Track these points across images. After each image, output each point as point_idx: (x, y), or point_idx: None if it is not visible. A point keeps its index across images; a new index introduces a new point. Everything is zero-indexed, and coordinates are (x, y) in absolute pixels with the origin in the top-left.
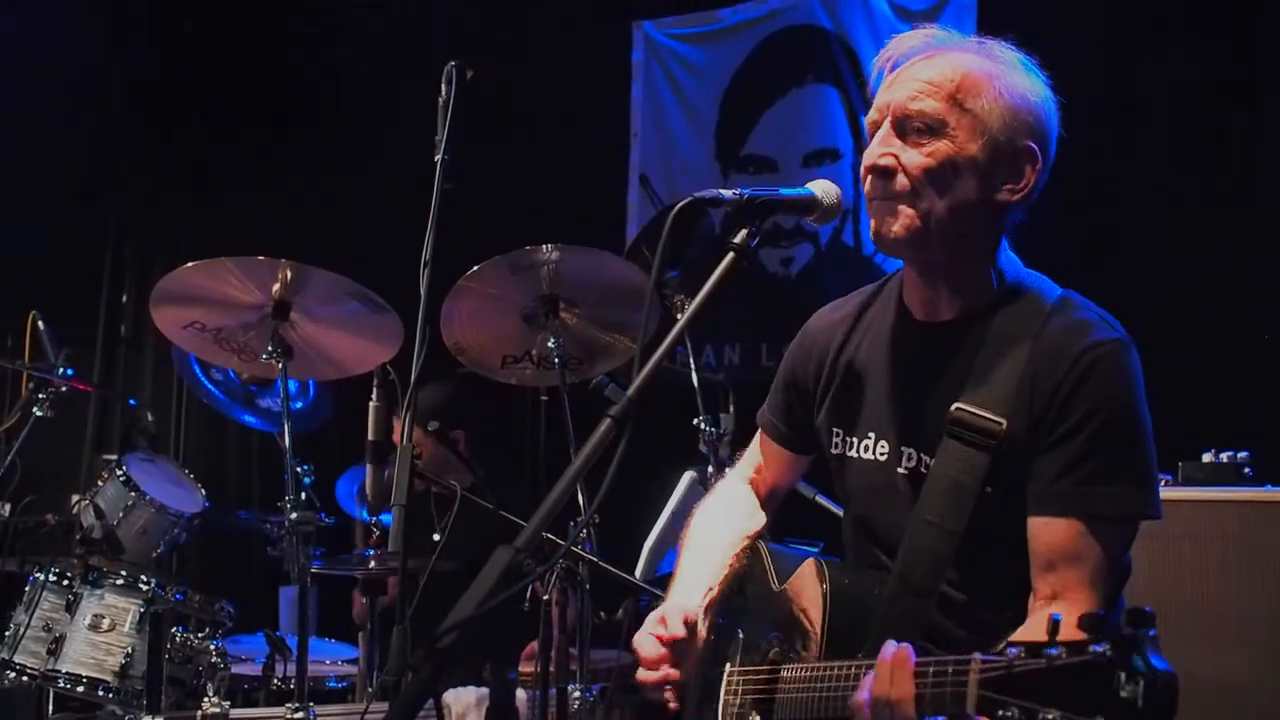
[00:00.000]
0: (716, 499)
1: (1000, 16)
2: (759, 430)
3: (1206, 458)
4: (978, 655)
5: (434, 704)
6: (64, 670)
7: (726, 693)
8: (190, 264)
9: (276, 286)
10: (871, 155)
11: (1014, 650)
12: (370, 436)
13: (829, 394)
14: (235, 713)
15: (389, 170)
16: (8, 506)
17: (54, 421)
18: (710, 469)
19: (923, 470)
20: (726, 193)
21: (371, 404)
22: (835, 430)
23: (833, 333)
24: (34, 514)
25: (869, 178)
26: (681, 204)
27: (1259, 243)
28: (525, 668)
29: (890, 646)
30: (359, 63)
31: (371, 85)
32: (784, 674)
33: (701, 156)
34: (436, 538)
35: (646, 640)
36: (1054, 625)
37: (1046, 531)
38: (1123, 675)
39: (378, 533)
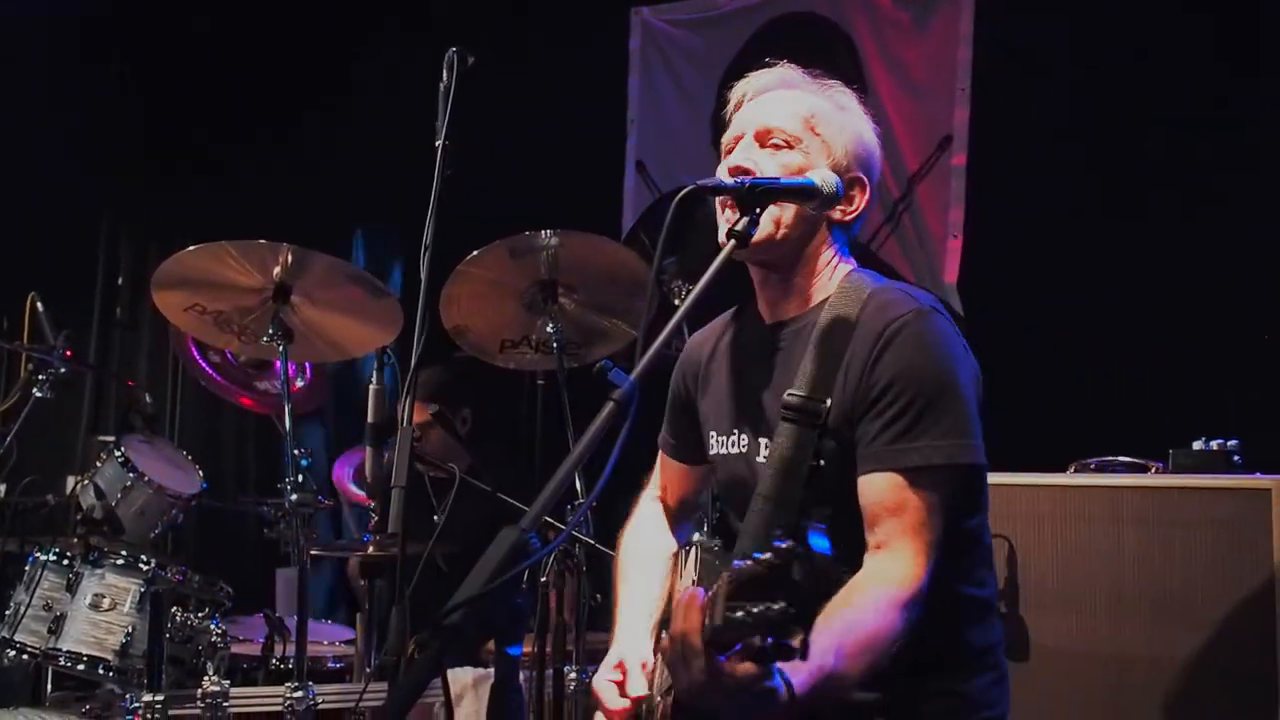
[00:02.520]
0: (638, 524)
1: (996, 3)
2: (660, 451)
3: (1196, 445)
4: (734, 565)
5: (441, 682)
6: (65, 649)
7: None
8: (191, 247)
9: (277, 270)
10: (733, 160)
11: (757, 555)
12: (370, 419)
13: (702, 401)
14: (235, 692)
15: (389, 155)
16: (2, 487)
17: (48, 402)
18: None
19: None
20: (728, 181)
21: (371, 387)
22: (710, 433)
23: (704, 346)
24: (33, 494)
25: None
26: (684, 192)
27: (1250, 232)
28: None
29: (685, 591)
30: (358, 47)
31: (372, 70)
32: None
33: (698, 143)
34: (436, 519)
35: (608, 688)
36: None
37: (869, 488)
38: (795, 564)
39: (376, 517)
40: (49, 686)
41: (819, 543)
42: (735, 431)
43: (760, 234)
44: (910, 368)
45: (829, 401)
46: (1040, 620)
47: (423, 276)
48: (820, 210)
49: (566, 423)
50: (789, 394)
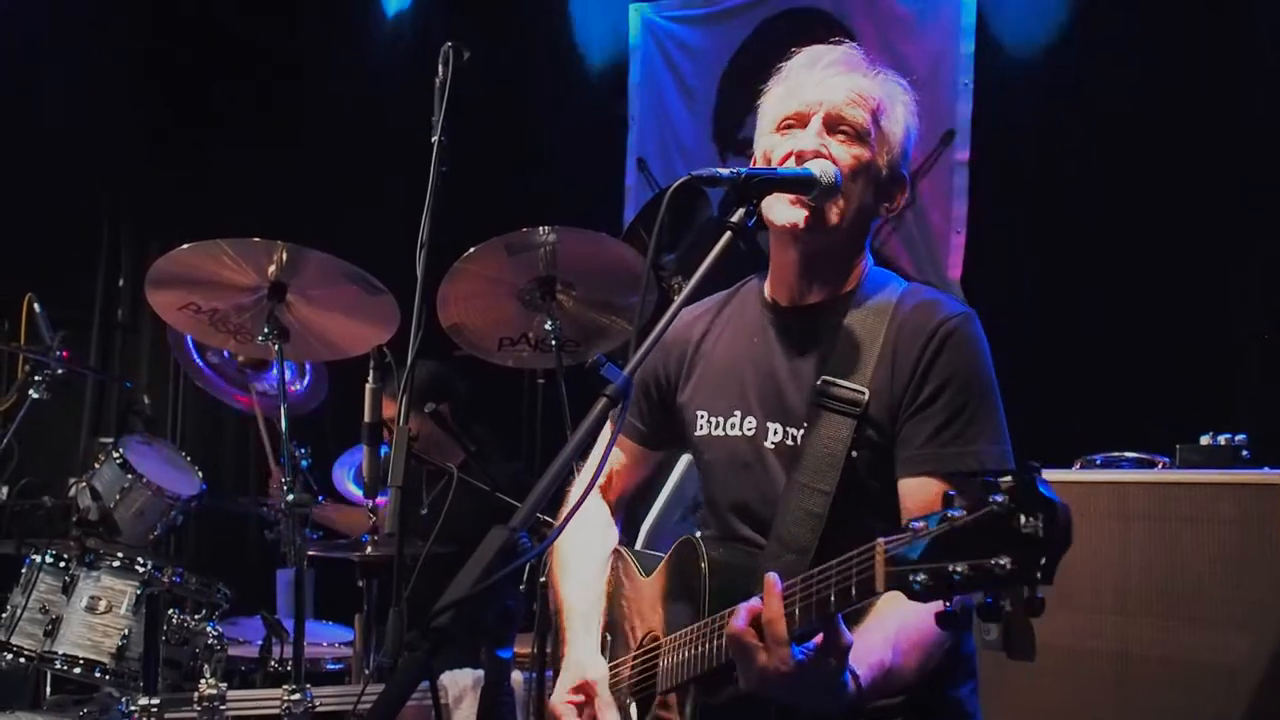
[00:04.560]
0: (578, 523)
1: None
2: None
3: (1204, 440)
4: (881, 539)
5: (430, 685)
6: (61, 652)
7: None
8: (186, 245)
9: (272, 268)
10: (803, 142)
11: (916, 524)
12: (367, 419)
13: (689, 381)
14: (232, 694)
15: (386, 152)
16: (4, 489)
17: (50, 404)
18: None
19: (789, 443)
20: (724, 171)
21: (368, 386)
22: (700, 413)
23: (692, 328)
24: (30, 496)
25: (796, 164)
26: (678, 183)
27: (1256, 228)
28: (520, 649)
29: (767, 576)
30: (357, 44)
31: (370, 67)
32: (663, 648)
33: (699, 139)
34: (424, 513)
35: (569, 712)
36: (948, 499)
37: (920, 490)
38: (1022, 517)
39: (374, 518)
40: (49, 690)
41: (1054, 496)
42: (739, 414)
43: (820, 224)
44: (965, 372)
45: (867, 392)
46: (1046, 618)
47: (419, 274)
48: (818, 202)
49: (565, 420)
50: (827, 381)
